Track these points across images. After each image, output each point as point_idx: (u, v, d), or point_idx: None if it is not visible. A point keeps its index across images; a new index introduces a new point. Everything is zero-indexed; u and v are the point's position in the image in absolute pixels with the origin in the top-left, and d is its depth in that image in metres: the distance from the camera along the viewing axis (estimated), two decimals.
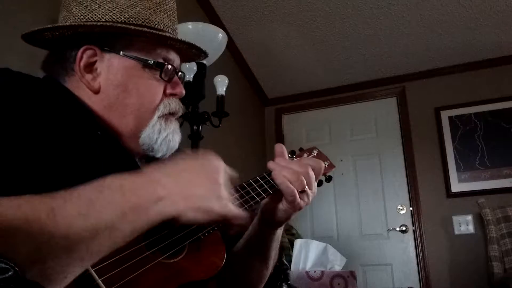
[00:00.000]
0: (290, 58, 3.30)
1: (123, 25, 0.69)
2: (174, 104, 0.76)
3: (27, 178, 0.52)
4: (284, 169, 0.74)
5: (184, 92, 0.79)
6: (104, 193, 0.46)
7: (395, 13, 2.78)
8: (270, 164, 0.77)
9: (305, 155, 0.91)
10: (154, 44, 0.73)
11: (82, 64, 0.70)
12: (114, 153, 0.69)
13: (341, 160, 3.56)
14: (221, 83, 1.93)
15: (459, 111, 3.31)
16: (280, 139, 3.74)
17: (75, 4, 0.71)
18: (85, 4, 0.70)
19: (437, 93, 3.42)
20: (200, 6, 2.65)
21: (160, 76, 0.73)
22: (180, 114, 0.79)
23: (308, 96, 3.79)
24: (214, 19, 2.72)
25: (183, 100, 1.99)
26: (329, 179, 0.85)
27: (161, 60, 0.74)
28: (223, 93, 1.93)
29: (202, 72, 1.86)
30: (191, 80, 1.79)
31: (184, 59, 0.84)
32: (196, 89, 1.83)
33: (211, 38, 1.86)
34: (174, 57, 0.77)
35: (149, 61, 0.72)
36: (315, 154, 0.93)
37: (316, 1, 2.67)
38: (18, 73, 0.62)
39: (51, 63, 0.75)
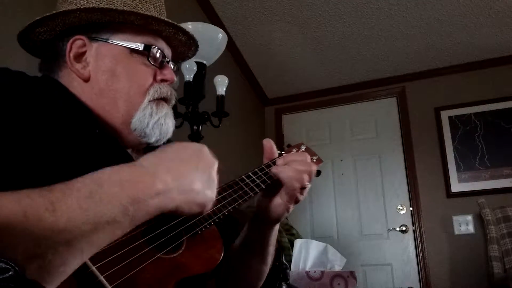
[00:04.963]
0: (290, 58, 3.30)
1: (105, 6, 0.71)
2: (165, 89, 0.77)
3: (25, 178, 0.52)
4: (289, 167, 0.75)
5: (175, 78, 0.79)
6: (104, 186, 0.46)
7: (395, 13, 2.79)
8: (278, 161, 0.78)
9: (294, 151, 0.91)
10: (140, 31, 0.75)
11: (71, 54, 0.73)
12: (112, 151, 0.69)
13: (341, 160, 3.57)
14: (221, 83, 1.93)
15: (459, 111, 3.31)
16: (280, 139, 3.74)
17: (66, 4, 0.73)
18: (74, 2, 0.72)
19: (437, 93, 3.43)
20: (200, 6, 2.65)
21: (148, 60, 0.75)
22: (173, 102, 0.80)
23: (308, 96, 3.80)
24: (214, 19, 2.72)
25: (183, 100, 2.00)
26: (318, 173, 0.86)
27: (146, 44, 0.75)
28: (223, 93, 1.93)
29: (202, 72, 1.87)
30: (191, 80, 1.79)
31: (176, 55, 0.86)
32: (196, 89, 1.83)
33: (211, 38, 1.86)
34: (163, 46, 0.79)
35: (135, 46, 0.74)
36: (303, 150, 0.93)
37: (316, 1, 2.67)
38: (17, 73, 0.62)
39: (46, 61, 0.77)
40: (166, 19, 0.75)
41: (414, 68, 3.45)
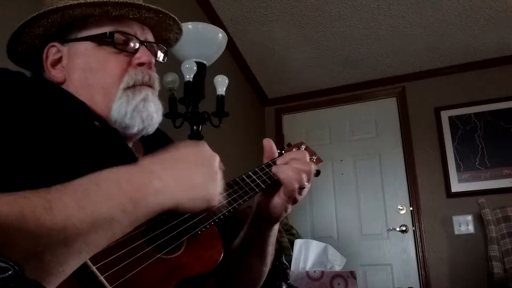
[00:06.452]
0: (290, 58, 3.30)
1: (55, 6, 0.70)
2: (141, 75, 0.74)
3: (30, 176, 0.53)
4: (288, 166, 0.75)
5: (153, 60, 0.77)
6: (101, 185, 0.45)
7: (395, 13, 2.79)
8: (278, 160, 0.78)
9: (294, 150, 0.90)
10: (104, 21, 0.74)
11: (48, 62, 0.74)
12: (111, 141, 0.69)
13: (341, 160, 3.57)
14: (221, 83, 1.93)
15: (459, 111, 3.31)
16: (280, 139, 3.74)
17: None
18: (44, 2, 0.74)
19: (437, 93, 3.43)
20: (200, 6, 2.65)
21: (115, 47, 0.73)
22: (157, 87, 0.78)
23: (308, 96, 3.80)
24: (214, 19, 2.72)
25: (183, 100, 1.99)
26: (317, 173, 0.86)
27: (109, 31, 0.73)
28: (223, 93, 1.93)
29: (202, 72, 1.87)
30: (191, 80, 1.79)
31: (165, 41, 0.85)
32: (196, 89, 1.83)
33: (211, 38, 1.86)
34: (135, 30, 0.76)
35: (98, 35, 0.73)
36: (303, 149, 0.93)
37: (316, 1, 2.67)
38: (17, 73, 0.63)
39: (35, 72, 0.79)
40: (123, 2, 0.72)
41: (414, 68, 3.45)
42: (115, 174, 0.48)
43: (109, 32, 0.73)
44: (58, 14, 0.71)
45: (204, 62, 1.88)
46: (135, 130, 0.73)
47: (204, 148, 0.59)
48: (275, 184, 0.75)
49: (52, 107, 0.61)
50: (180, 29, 0.86)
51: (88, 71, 0.72)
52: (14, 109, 0.56)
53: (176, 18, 0.82)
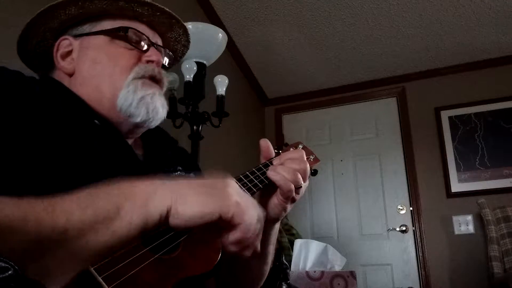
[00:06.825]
0: (290, 58, 3.30)
1: None
2: (151, 67, 0.76)
3: (27, 173, 0.53)
4: (283, 167, 0.74)
5: (162, 60, 0.79)
6: (102, 187, 0.46)
7: (395, 13, 2.79)
8: (274, 160, 0.78)
9: (291, 149, 0.90)
10: (118, 18, 0.77)
11: (59, 54, 0.76)
12: (111, 139, 0.70)
13: (341, 160, 3.57)
14: (221, 83, 1.93)
15: (459, 111, 3.31)
16: (280, 139, 3.74)
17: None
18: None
19: (437, 93, 3.42)
20: (200, 6, 2.65)
21: (128, 42, 0.75)
22: (165, 84, 0.80)
23: (308, 96, 3.79)
24: (214, 19, 2.72)
25: (183, 100, 1.99)
26: (314, 173, 0.86)
27: (124, 26, 0.76)
28: (223, 93, 1.93)
29: (202, 72, 1.87)
30: (191, 80, 1.79)
31: (174, 51, 0.87)
32: (196, 89, 1.83)
33: (211, 38, 1.86)
34: (146, 31, 0.79)
35: (112, 30, 0.75)
36: (300, 148, 0.92)
37: (316, 1, 2.67)
38: (15, 72, 0.63)
39: (44, 68, 0.80)
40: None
41: (414, 68, 3.45)
42: (118, 180, 0.49)
43: (123, 27, 0.75)
44: (77, 5, 0.73)
45: (204, 62, 1.89)
46: (138, 119, 0.73)
47: (221, 178, 0.56)
48: (272, 184, 0.75)
49: (49, 106, 0.61)
50: (188, 41, 0.90)
51: (98, 63, 0.74)
52: (10, 108, 0.56)
53: (186, 28, 0.85)
